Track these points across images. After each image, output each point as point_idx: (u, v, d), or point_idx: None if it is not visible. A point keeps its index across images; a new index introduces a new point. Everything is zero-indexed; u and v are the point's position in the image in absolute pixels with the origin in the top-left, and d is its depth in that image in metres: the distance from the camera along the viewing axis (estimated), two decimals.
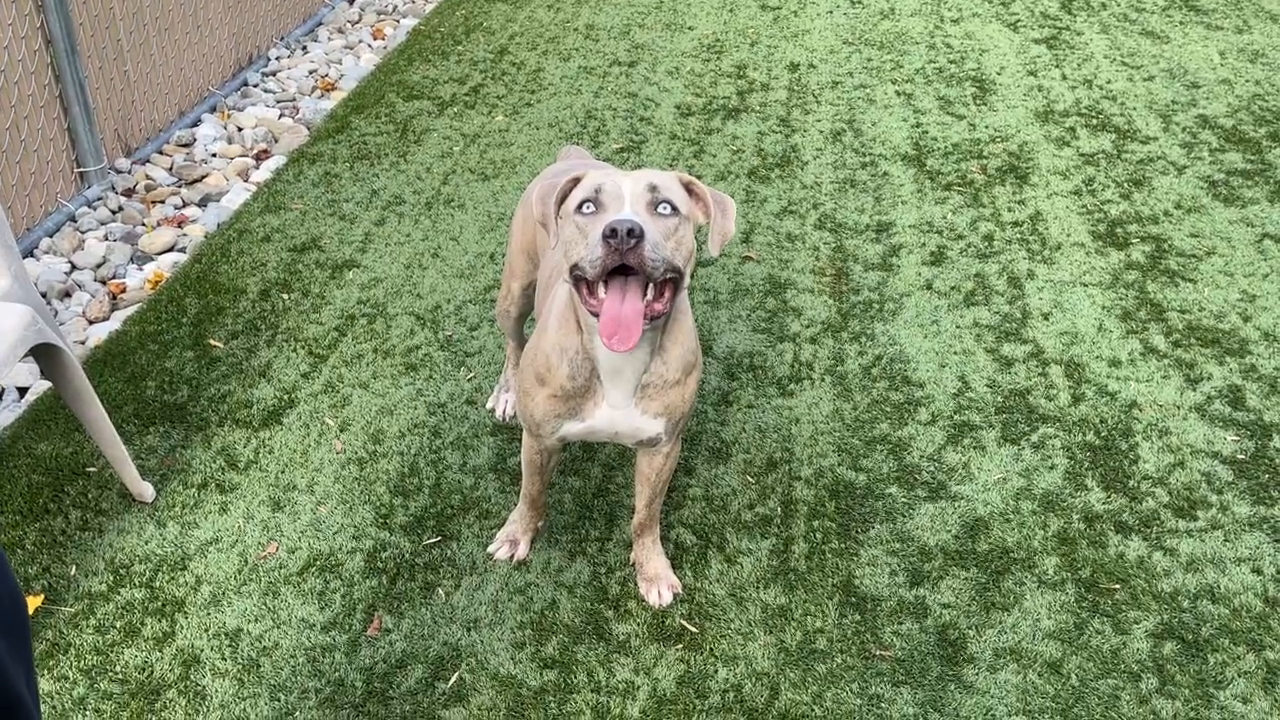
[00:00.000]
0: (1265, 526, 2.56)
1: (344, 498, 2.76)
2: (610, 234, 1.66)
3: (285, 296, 3.60)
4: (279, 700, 2.22)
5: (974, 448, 2.88)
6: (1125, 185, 4.24)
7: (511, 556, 2.55)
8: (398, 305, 3.59)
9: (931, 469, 2.80)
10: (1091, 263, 3.70)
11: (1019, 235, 3.91)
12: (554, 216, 1.88)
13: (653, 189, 1.80)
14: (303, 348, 3.35)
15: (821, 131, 4.87)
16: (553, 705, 2.20)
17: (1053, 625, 2.34)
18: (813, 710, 2.16)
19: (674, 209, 1.80)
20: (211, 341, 3.35)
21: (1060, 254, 3.77)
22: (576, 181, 1.88)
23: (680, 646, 2.32)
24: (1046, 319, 3.41)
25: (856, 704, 2.17)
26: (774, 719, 2.15)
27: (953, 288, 3.61)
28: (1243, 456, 2.78)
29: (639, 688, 2.23)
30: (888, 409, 3.04)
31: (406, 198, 4.25)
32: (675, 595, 2.42)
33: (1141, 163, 4.42)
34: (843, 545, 2.57)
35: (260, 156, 4.60)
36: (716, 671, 2.26)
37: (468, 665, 2.29)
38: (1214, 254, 3.71)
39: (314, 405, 3.10)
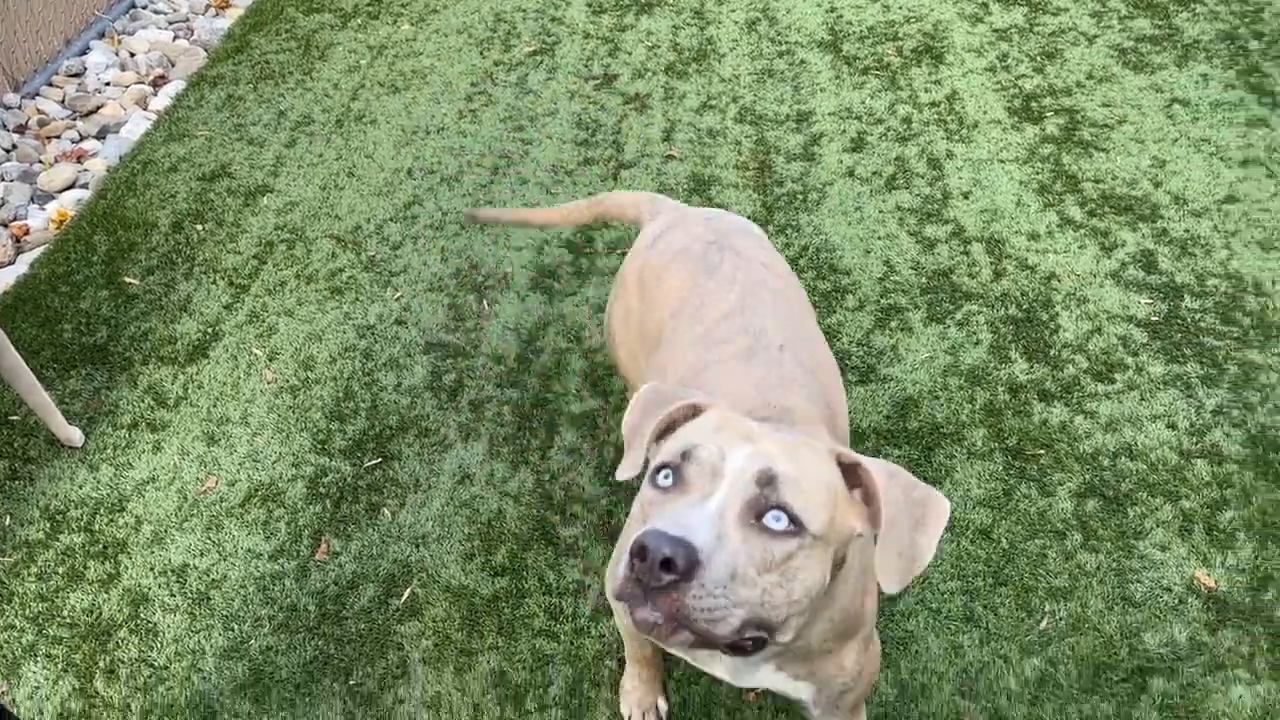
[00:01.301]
0: (1178, 384, 2.67)
1: (279, 427, 2.74)
2: (638, 551, 1.03)
3: (199, 227, 3.49)
4: (233, 630, 2.23)
5: (901, 330, 2.93)
6: (1038, 59, 4.26)
7: None
8: (316, 228, 3.51)
9: (861, 353, 2.86)
10: (1008, 139, 3.73)
11: (936, 116, 3.92)
12: (644, 448, 1.27)
13: (767, 481, 1.11)
14: (222, 279, 3.27)
15: (736, 22, 4.79)
16: (506, 611, 2.24)
17: (982, 494, 2.43)
18: None
19: (794, 524, 1.11)
20: (126, 279, 3.26)
21: (977, 132, 3.80)
22: (696, 412, 1.27)
23: None
24: (966, 198, 3.46)
25: None
26: None
27: (874, 173, 3.63)
28: (1156, 319, 2.88)
29: (590, 587, 2.28)
30: (816, 298, 3.07)
31: (315, 117, 4.12)
32: None
33: (1053, 35, 4.43)
34: None
35: (157, 83, 4.40)
36: None
37: (419, 580, 2.32)
38: (1125, 122, 3.77)
39: (240, 336, 3.05)
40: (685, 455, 1.15)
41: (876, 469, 1.19)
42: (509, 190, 3.68)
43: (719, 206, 3.51)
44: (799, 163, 3.72)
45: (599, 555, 2.34)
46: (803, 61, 4.41)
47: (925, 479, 2.47)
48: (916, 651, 2.13)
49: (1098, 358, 2.78)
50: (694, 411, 1.27)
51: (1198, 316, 2.87)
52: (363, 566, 2.36)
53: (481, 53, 4.67)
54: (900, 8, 4.79)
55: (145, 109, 4.21)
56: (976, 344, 2.86)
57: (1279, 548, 2.24)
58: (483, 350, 2.96)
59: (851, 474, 1.20)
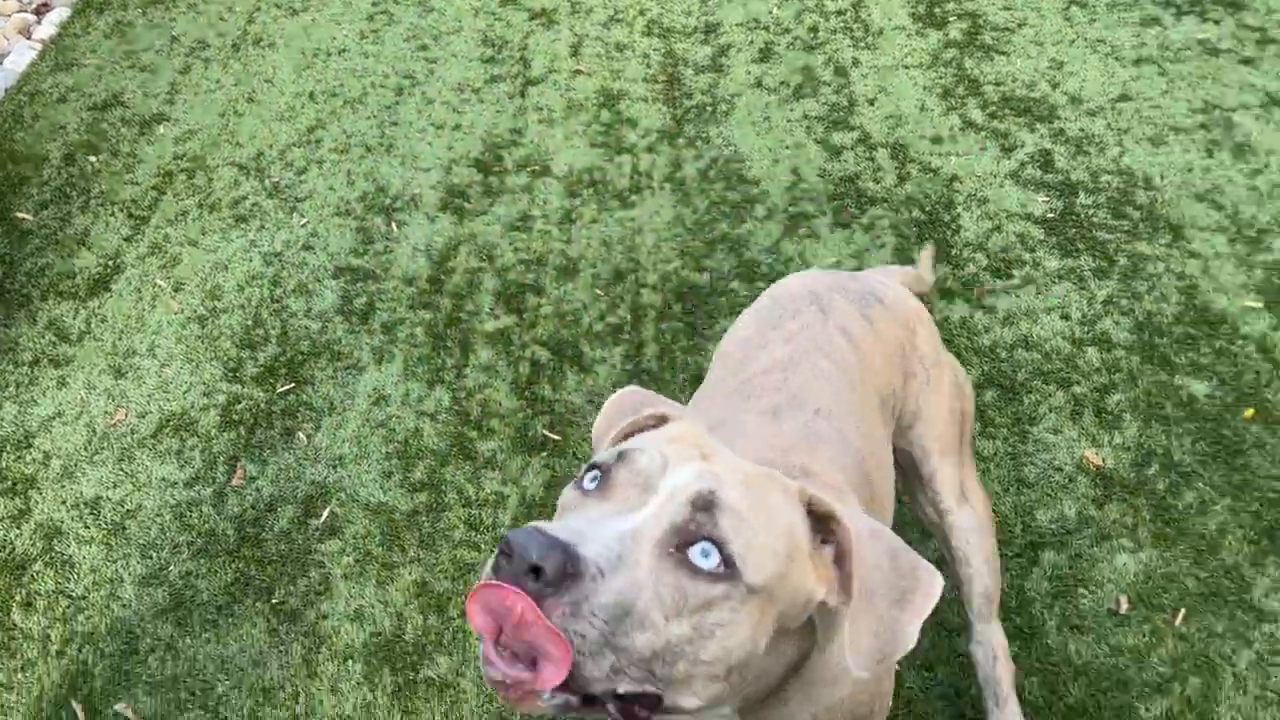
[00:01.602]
0: (1072, 276, 2.77)
1: (189, 357, 2.70)
2: (503, 549, 0.82)
3: (93, 159, 3.38)
4: (151, 558, 2.23)
5: (808, 236, 2.98)
6: None
7: None
8: (217, 156, 3.42)
9: (770, 261, 2.91)
10: (912, 45, 3.77)
11: (843, 24, 3.93)
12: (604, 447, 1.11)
13: (704, 505, 0.88)
14: (121, 210, 3.18)
15: None
16: (426, 525, 2.28)
17: None
18: None
19: (727, 565, 0.87)
20: (19, 214, 3.15)
21: (883, 39, 3.82)
22: (662, 422, 1.08)
23: (545, 454, 2.41)
24: (872, 104, 3.49)
25: None
26: None
27: (782, 83, 3.64)
28: (1052, 215, 2.97)
29: (508, 497, 2.32)
30: (726, 209, 3.10)
31: (210, 41, 3.98)
32: None
33: None
34: (690, 343, 2.67)
35: (40, 10, 4.20)
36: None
37: (338, 500, 2.34)
38: (1025, 25, 3.83)
39: (142, 268, 2.98)
40: (620, 457, 0.94)
41: (857, 524, 0.93)
42: (415, 111, 3.62)
43: (628, 121, 3.51)
44: (707, 74, 3.71)
45: (516, 467, 2.38)
46: None
47: None
48: None
49: (996, 255, 2.86)
50: (661, 423, 1.07)
51: (1091, 212, 2.97)
52: (280, 489, 2.36)
53: None
54: None
55: (29, 38, 4.03)
56: (882, 247, 2.93)
57: (1162, 426, 2.37)
58: (393, 273, 2.94)
59: (825, 527, 0.95)
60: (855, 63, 3.71)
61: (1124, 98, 3.40)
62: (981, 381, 2.51)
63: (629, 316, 2.76)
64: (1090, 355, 2.54)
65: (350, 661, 2.03)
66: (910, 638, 0.90)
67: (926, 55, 3.71)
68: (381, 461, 2.42)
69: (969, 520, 1.69)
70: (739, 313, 2.71)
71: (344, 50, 3.98)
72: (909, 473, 1.69)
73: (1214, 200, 2.97)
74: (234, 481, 2.38)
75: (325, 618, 2.11)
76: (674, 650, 0.84)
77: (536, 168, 3.32)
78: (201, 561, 2.22)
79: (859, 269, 2.83)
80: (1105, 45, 3.68)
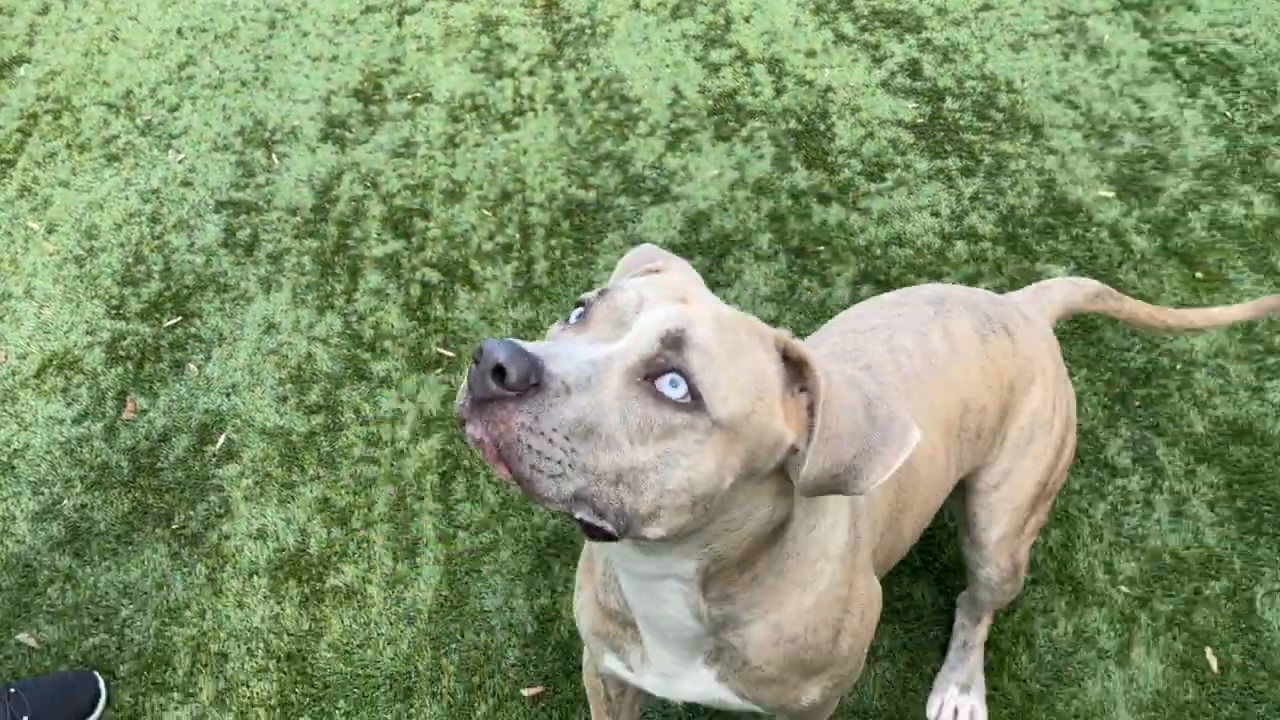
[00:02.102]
0: (940, 176, 2.89)
1: (68, 297, 2.64)
2: (475, 356, 0.82)
3: None
4: (43, 494, 2.21)
5: (691, 151, 3.04)
6: None
7: None
8: (84, 96, 3.31)
9: (654, 176, 2.96)
10: None
11: None
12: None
13: (673, 342, 0.88)
14: None
15: None
16: (324, 444, 2.29)
17: (769, 290, 2.61)
18: None
19: (693, 397, 0.87)
20: None
21: None
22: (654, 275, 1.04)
23: (440, 370, 2.44)
24: (748, 21, 3.55)
25: None
26: None
27: (659, 3, 3.67)
28: (921, 120, 3.09)
29: (406, 413, 2.35)
30: (609, 128, 3.14)
31: None
32: None
33: None
34: (580, 257, 2.72)
35: None
36: None
37: (233, 426, 2.34)
38: None
39: (11, 212, 2.89)
40: (602, 294, 0.93)
41: (829, 368, 0.92)
42: (289, 44, 3.55)
43: (508, 46, 3.50)
44: None
45: (412, 384, 2.41)
46: None
47: (716, 284, 2.62)
48: None
49: (870, 160, 2.97)
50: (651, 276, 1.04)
51: (957, 115, 3.09)
52: (173, 420, 2.35)
53: None
54: None
55: None
56: (761, 157, 3.01)
57: None
58: (276, 204, 2.91)
59: (802, 375, 0.94)
60: None
61: (986, 7, 3.53)
62: (858, 278, 2.62)
63: (518, 235, 2.79)
64: (959, 248, 2.67)
65: (255, 577, 2.06)
66: (874, 480, 0.91)
67: None
68: (275, 387, 2.42)
69: (998, 575, 1.63)
70: (628, 227, 2.78)
71: None
72: (964, 512, 1.61)
73: (1070, 100, 3.12)
74: (124, 415, 2.36)
75: (227, 538, 2.12)
76: (640, 475, 0.85)
77: (417, 95, 3.30)
78: (96, 494, 2.21)
79: (741, 179, 2.91)
80: None
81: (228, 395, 2.40)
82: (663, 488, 0.86)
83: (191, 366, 2.47)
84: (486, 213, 2.86)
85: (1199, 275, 2.55)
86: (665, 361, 0.86)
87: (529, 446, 0.81)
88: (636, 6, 3.66)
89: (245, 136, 3.15)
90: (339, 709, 1.86)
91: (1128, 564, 1.99)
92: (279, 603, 2.01)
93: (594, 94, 3.28)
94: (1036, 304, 1.65)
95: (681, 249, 2.72)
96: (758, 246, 2.72)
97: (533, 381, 0.80)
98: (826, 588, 1.13)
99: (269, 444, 2.30)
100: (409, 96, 3.30)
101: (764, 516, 0.99)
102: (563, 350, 0.84)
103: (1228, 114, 3.04)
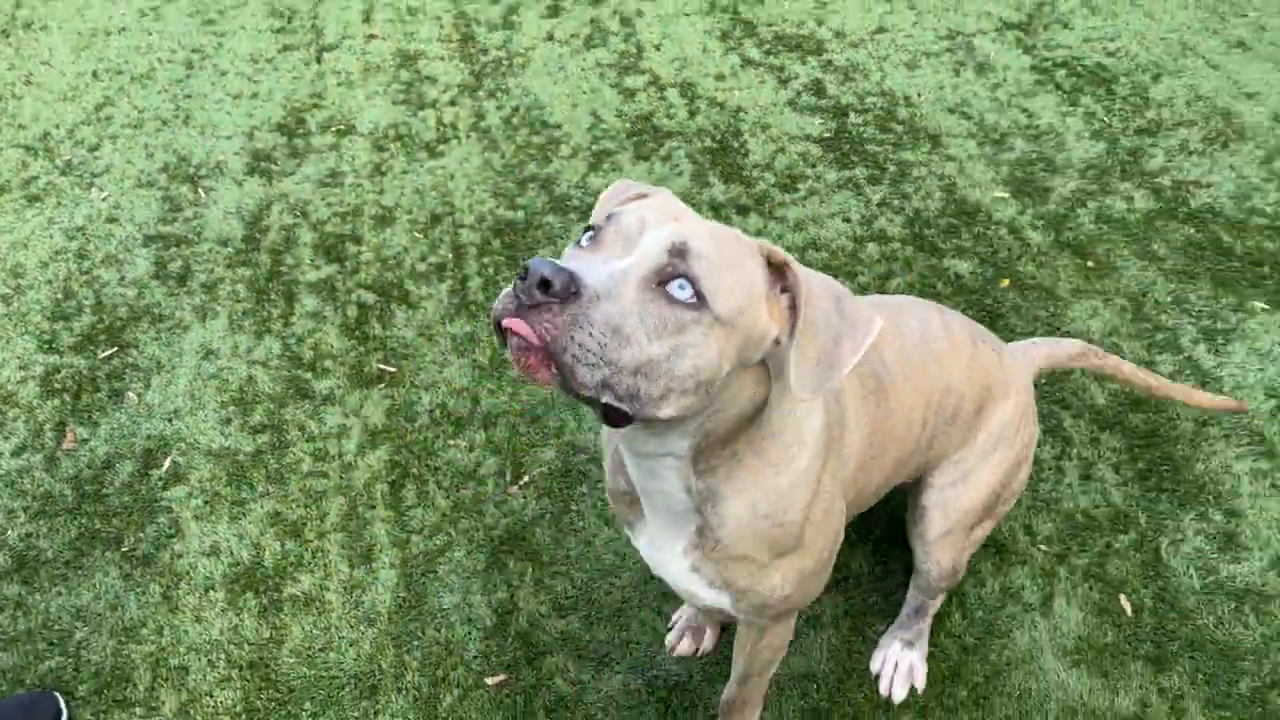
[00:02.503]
0: (849, 185, 3.07)
1: None
2: (520, 274, 0.98)
3: None
4: None
5: (613, 170, 3.17)
6: None
7: (695, 650, 1.95)
8: (0, 140, 3.29)
9: (580, 195, 3.07)
10: None
11: None
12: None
13: (678, 252, 1.04)
14: None
15: None
16: (272, 462, 2.33)
17: None
18: (511, 405, 2.43)
19: (699, 298, 1.03)
20: None
21: None
22: (643, 198, 1.23)
23: (383, 385, 2.50)
24: (658, 49, 3.71)
25: (546, 393, 2.47)
26: (479, 421, 2.40)
27: (572, 35, 3.81)
28: (828, 135, 3.27)
29: (351, 427, 2.40)
30: (532, 152, 3.25)
31: None
32: None
33: None
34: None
35: None
36: (420, 398, 2.46)
37: (178, 449, 2.35)
38: None
39: None
40: (609, 219, 1.09)
41: (807, 272, 1.09)
42: (208, 83, 3.58)
43: (428, 79, 3.59)
44: (500, 31, 3.84)
45: (355, 400, 2.46)
46: None
47: None
48: None
49: (783, 173, 3.13)
50: (642, 198, 1.20)
51: (861, 129, 3.28)
52: (116, 447, 2.35)
53: None
54: None
55: None
56: (680, 174, 3.14)
57: (936, 301, 2.68)
58: (206, 236, 2.94)
59: (781, 277, 1.11)
60: (639, 14, 3.93)
61: (881, 30, 3.76)
62: None
63: (450, 255, 2.87)
64: (870, 249, 2.84)
65: (211, 591, 2.07)
66: (847, 366, 1.07)
67: (704, 4, 3.97)
68: (218, 410, 2.44)
69: (936, 573, 1.78)
70: (557, 243, 2.87)
71: (124, 29, 3.88)
72: (916, 508, 1.76)
73: (963, 112, 3.34)
74: (64, 445, 2.35)
75: (180, 557, 2.14)
76: (655, 366, 1.01)
77: (341, 127, 3.36)
78: (41, 522, 2.20)
79: None
80: None
81: (170, 420, 2.42)
82: (672, 374, 1.02)
83: (131, 395, 2.48)
84: (418, 235, 2.93)
85: (1090, 264, 2.75)
86: (673, 269, 1.02)
87: (571, 339, 0.97)
88: (550, 38, 3.79)
89: (170, 173, 3.17)
90: (305, 710, 1.88)
91: (1045, 525, 2.14)
92: (237, 614, 2.03)
93: (515, 121, 3.38)
94: (1021, 352, 1.87)
95: None
96: None
97: (571, 291, 0.97)
98: (798, 472, 1.28)
99: (215, 465, 2.32)
100: (332, 129, 3.36)
101: (746, 400, 1.16)
102: (586, 268, 1.01)
103: (1106, 120, 3.29)
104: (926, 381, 1.58)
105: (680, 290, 1.02)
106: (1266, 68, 3.52)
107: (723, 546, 1.31)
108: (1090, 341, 2.53)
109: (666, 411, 1.05)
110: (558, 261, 0.99)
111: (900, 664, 1.90)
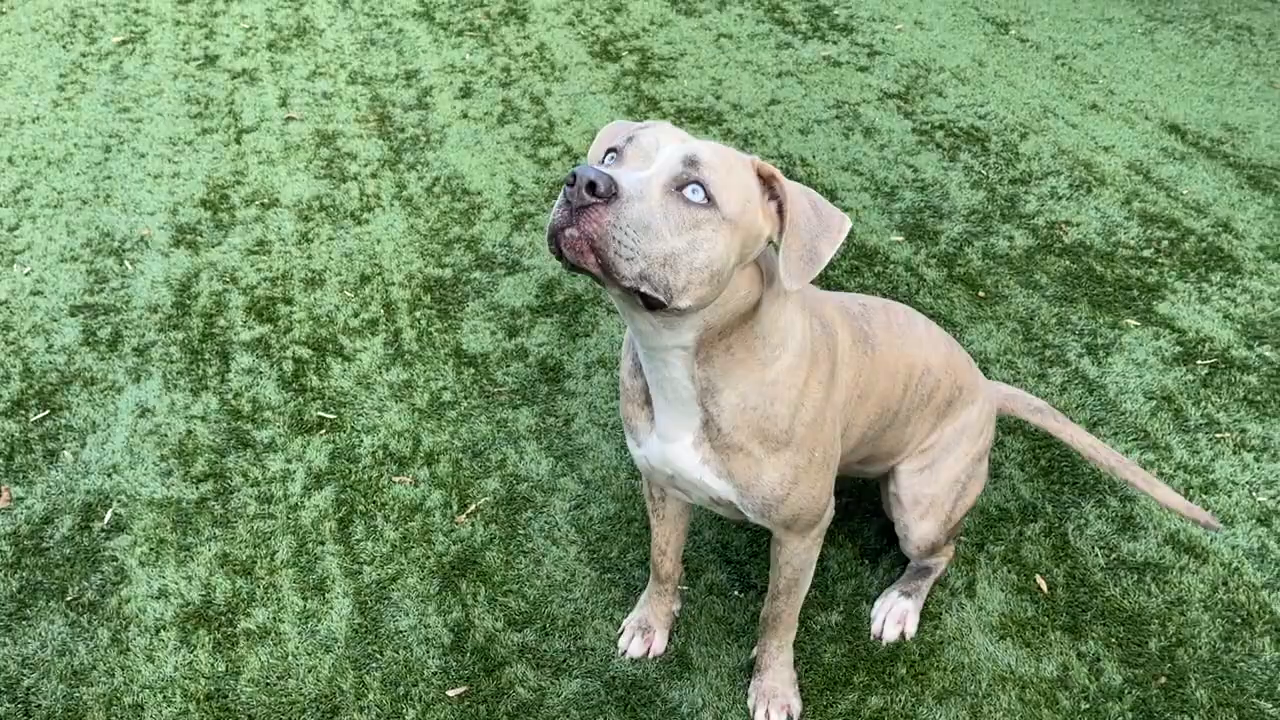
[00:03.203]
0: None
1: None
2: (569, 180, 1.19)
3: None
4: None
5: (534, 230, 3.33)
6: (609, 13, 4.86)
7: (647, 652, 2.03)
8: None
9: (504, 252, 3.21)
10: (595, 75, 4.27)
11: (531, 64, 4.38)
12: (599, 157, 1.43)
13: (690, 162, 1.26)
14: None
15: (330, 2, 4.98)
16: (217, 508, 2.35)
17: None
18: (453, 443, 2.51)
19: (709, 200, 1.25)
20: None
21: (568, 72, 4.30)
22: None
23: (323, 432, 2.55)
24: (569, 124, 3.93)
25: (487, 429, 2.56)
26: (422, 458, 2.47)
27: (486, 113, 4.00)
28: None
29: (295, 471, 2.44)
30: (456, 216, 3.39)
31: None
32: (789, 718, 1.90)
33: None
34: (445, 324, 2.91)
35: None
36: (362, 442, 2.52)
37: (119, 502, 2.35)
38: (685, 55, 4.44)
39: None
40: (629, 140, 1.31)
41: (790, 183, 1.34)
42: (128, 165, 3.64)
43: (348, 155, 3.72)
44: (416, 111, 4.01)
45: (297, 446, 2.50)
46: (401, 31, 4.70)
47: (578, 335, 2.87)
48: None
49: None
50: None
51: None
52: (53, 503, 2.34)
53: (64, 46, 4.50)
54: None
55: None
56: None
57: None
58: (135, 304, 2.97)
59: (770, 187, 1.34)
60: (548, 93, 4.15)
61: (774, 102, 4.06)
62: None
63: (382, 311, 2.96)
64: None
65: (163, 632, 2.07)
66: (826, 258, 1.32)
67: (609, 82, 4.22)
68: (158, 463, 2.46)
69: (916, 553, 2.03)
70: (487, 296, 2.99)
71: (38, 118, 3.92)
72: (887, 488, 2.03)
73: (855, 169, 3.62)
74: None
75: (128, 601, 2.13)
76: (677, 259, 1.24)
77: (265, 201, 3.45)
78: None
79: None
80: (753, 65, 4.35)
81: (109, 475, 2.42)
82: (692, 265, 1.25)
83: (67, 454, 2.47)
84: (349, 294, 3.02)
85: (981, 294, 3.00)
86: (687, 176, 1.25)
87: (613, 237, 1.20)
88: (465, 117, 3.98)
89: (94, 248, 3.21)
90: None
91: (964, 521, 2.30)
92: (191, 651, 2.04)
93: (437, 189, 3.53)
94: (991, 385, 2.13)
95: (540, 310, 2.96)
96: (608, 302, 3.00)
97: (612, 192, 1.19)
98: (780, 371, 1.50)
99: (159, 514, 2.33)
100: (257, 203, 3.44)
101: (741, 298, 1.39)
102: (621, 173, 1.23)
103: (983, 172, 3.61)
104: (908, 355, 1.83)
105: (694, 194, 1.25)
106: (1118, 125, 3.92)
107: (723, 436, 1.51)
108: (987, 360, 2.75)
109: (687, 301, 1.28)
110: (599, 167, 1.20)
111: (895, 609, 2.06)
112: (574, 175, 1.19)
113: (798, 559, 1.75)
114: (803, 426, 1.55)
